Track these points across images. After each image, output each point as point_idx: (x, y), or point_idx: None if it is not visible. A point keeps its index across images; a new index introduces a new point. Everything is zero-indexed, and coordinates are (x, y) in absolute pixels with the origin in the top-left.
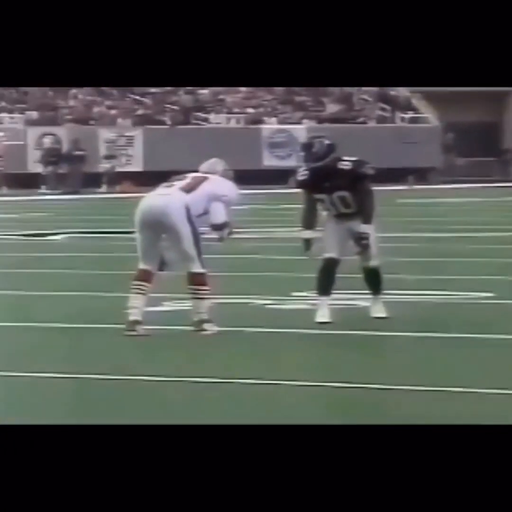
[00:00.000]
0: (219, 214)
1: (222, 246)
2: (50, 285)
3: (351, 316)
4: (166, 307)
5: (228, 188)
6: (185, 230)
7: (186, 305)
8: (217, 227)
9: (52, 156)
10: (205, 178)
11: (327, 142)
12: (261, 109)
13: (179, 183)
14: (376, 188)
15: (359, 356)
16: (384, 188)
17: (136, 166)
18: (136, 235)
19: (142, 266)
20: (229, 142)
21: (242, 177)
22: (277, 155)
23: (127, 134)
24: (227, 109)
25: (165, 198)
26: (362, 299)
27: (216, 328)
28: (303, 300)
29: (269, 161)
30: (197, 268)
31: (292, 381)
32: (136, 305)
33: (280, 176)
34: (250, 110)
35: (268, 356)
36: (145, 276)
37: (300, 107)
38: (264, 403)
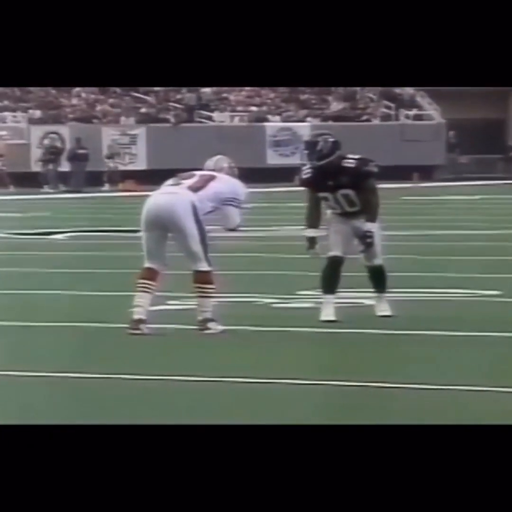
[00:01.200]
0: (234, 218)
1: (227, 245)
2: (53, 284)
3: (357, 315)
4: (170, 306)
5: (236, 188)
6: (192, 229)
7: (190, 304)
8: (232, 230)
9: (51, 154)
10: (213, 177)
11: (331, 139)
12: (264, 107)
13: (186, 182)
14: (380, 185)
15: (364, 355)
16: (388, 186)
17: (140, 164)
18: (142, 234)
19: (147, 264)
20: (233, 140)
21: (246, 175)
22: (281, 153)
23: (130, 132)
24: (231, 107)
25: (172, 196)
26: (368, 298)
27: (221, 327)
28: (309, 298)
29: (273, 159)
30: (203, 267)
31: (297, 380)
32: (141, 304)
33: (284, 174)
34: (254, 108)
35: (273, 355)
36: (150, 275)
37: (304, 105)
38: (269, 403)
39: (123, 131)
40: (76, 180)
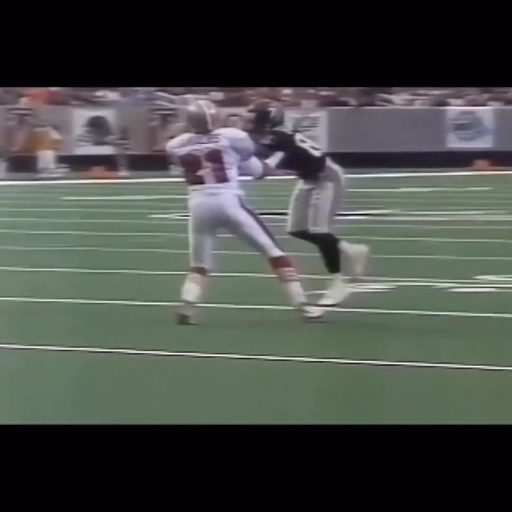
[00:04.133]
0: (255, 167)
1: (405, 229)
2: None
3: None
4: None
5: (237, 142)
6: (248, 220)
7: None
8: (260, 177)
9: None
10: (218, 152)
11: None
12: (446, 91)
13: (209, 174)
14: None
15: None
16: None
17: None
18: (189, 235)
19: (193, 264)
20: (413, 124)
21: (426, 159)
22: (462, 137)
23: (311, 115)
24: (411, 90)
25: (217, 197)
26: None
27: (320, 310)
28: (488, 284)
29: (453, 143)
30: (276, 252)
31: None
32: (190, 290)
33: (464, 158)
34: (435, 92)
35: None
36: (199, 271)
37: (486, 89)
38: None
39: (304, 113)
40: None
